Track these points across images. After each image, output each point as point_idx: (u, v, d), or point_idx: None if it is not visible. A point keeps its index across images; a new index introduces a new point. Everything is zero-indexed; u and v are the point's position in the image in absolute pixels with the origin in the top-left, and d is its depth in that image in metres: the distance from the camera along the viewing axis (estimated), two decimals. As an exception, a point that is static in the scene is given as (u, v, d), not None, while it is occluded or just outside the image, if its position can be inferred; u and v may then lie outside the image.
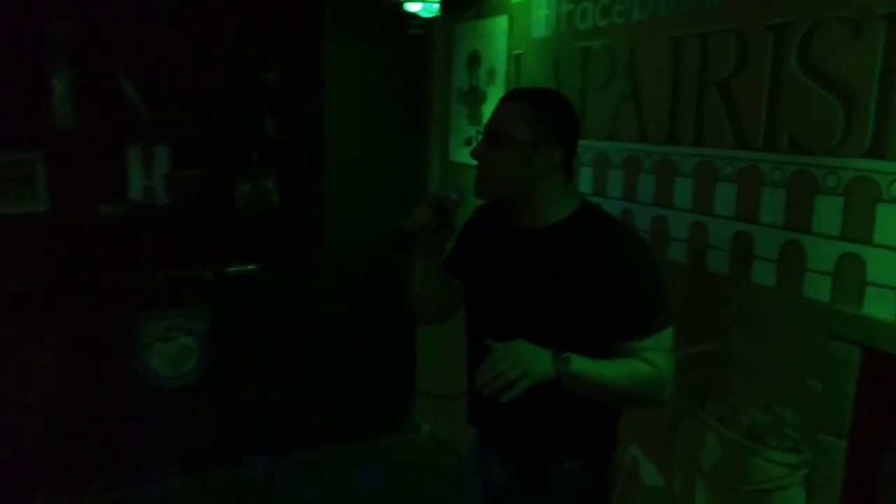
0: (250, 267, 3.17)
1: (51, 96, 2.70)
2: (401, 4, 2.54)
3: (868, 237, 1.44)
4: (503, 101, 1.49)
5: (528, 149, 1.39)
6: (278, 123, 3.18)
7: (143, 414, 2.84)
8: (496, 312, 1.50)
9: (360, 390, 3.32)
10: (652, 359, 1.37)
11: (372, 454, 3.23)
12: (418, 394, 3.48)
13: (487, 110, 2.81)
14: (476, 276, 1.56)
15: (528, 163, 1.40)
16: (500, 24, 2.69)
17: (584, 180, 2.26)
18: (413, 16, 2.85)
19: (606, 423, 1.54)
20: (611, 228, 1.46)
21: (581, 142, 1.52)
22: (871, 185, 1.43)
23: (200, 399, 2.96)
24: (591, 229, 1.42)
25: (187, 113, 3.02)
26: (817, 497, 1.56)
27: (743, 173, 1.73)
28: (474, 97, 2.89)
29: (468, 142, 2.95)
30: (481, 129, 1.55)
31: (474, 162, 2.81)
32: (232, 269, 3.11)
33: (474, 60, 2.90)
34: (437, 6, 2.52)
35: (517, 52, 2.62)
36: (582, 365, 1.31)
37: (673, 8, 1.92)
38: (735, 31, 1.73)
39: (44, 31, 2.65)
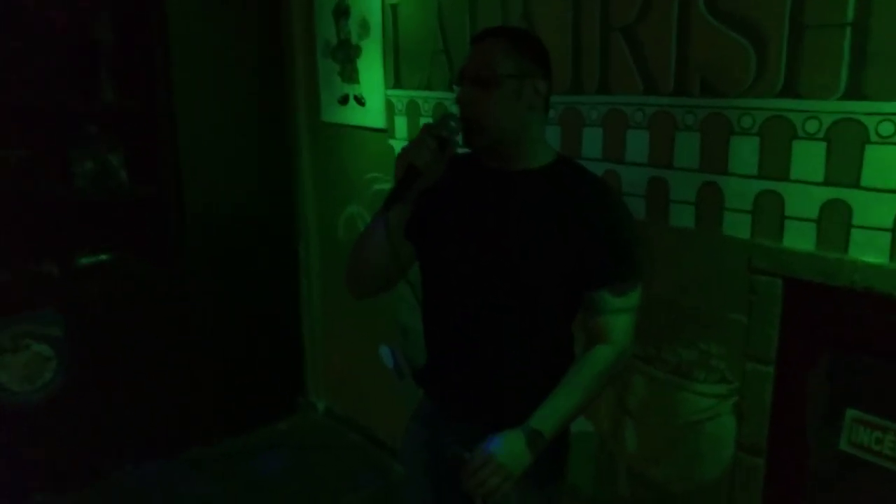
0: (103, 257, 2.80)
1: None
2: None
3: (785, 174, 1.52)
4: (478, 40, 1.40)
5: (516, 82, 1.34)
6: (117, 90, 2.78)
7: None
8: (468, 258, 1.41)
9: (246, 375, 3.09)
10: (615, 323, 1.38)
11: (268, 440, 3.05)
12: (309, 371, 3.31)
13: (363, 65, 2.64)
14: (440, 226, 1.45)
15: (518, 97, 1.35)
16: (371, -29, 2.51)
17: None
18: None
19: None
20: (592, 180, 1.43)
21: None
22: (785, 123, 1.50)
23: (65, 411, 2.58)
24: (572, 178, 1.40)
25: (4, 81, 2.54)
26: (747, 421, 1.67)
27: (654, 119, 1.75)
28: (346, 51, 2.70)
29: (343, 100, 2.77)
30: (456, 77, 1.42)
31: (350, 121, 2.64)
32: (83, 260, 2.72)
33: (342, 11, 2.69)
34: (305, -49, 2.29)
35: (393, 1, 2.47)
36: (552, 423, 1.35)
37: (568, -48, 1.88)
38: (637, -25, 1.73)
39: None
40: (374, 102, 2.61)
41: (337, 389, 3.23)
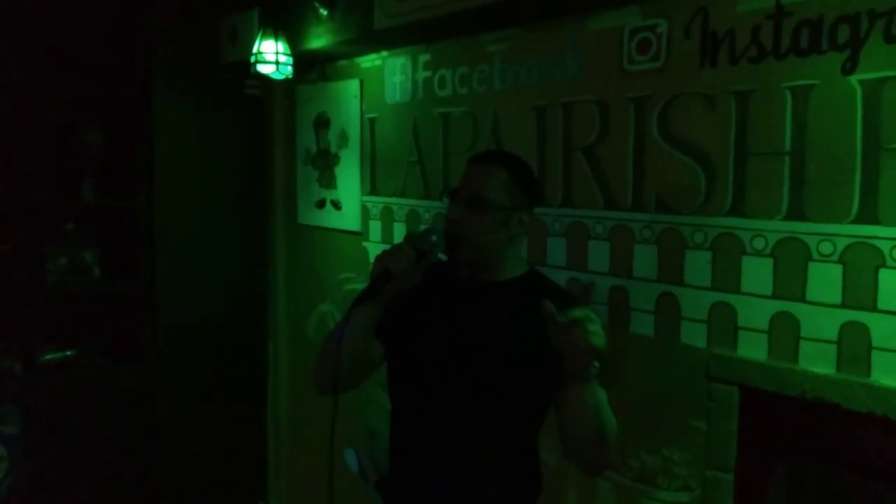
0: (69, 353, 2.76)
1: None
2: (250, 65, 2.42)
3: (737, 287, 1.61)
4: (476, 164, 1.51)
5: (505, 213, 1.44)
6: (98, 189, 2.85)
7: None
8: (437, 364, 1.45)
9: (207, 479, 2.99)
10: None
11: (225, 550, 2.92)
12: (272, 473, 3.22)
13: (341, 173, 2.77)
14: (411, 330, 1.50)
15: (505, 225, 1.45)
16: (352, 87, 2.68)
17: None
18: (251, 75, 2.73)
19: (530, 497, 1.54)
20: (562, 289, 1.56)
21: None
22: (735, 240, 1.61)
23: (13, 516, 2.47)
24: (542, 287, 1.49)
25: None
26: (711, 530, 1.68)
27: (614, 231, 1.86)
28: (325, 160, 2.83)
29: (320, 204, 2.87)
30: (448, 189, 1.52)
31: (326, 224, 2.75)
32: (47, 357, 2.69)
33: (322, 123, 2.84)
34: (290, 69, 2.44)
35: (371, 115, 2.62)
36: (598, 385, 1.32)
37: (535, 78, 2.05)
38: (597, 102, 1.88)
39: None
40: (350, 207, 2.72)
41: (300, 493, 3.14)
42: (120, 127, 2.85)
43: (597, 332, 1.23)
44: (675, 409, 1.74)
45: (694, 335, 1.70)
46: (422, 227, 1.48)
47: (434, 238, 1.41)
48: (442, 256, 1.49)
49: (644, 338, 1.80)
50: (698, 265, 1.68)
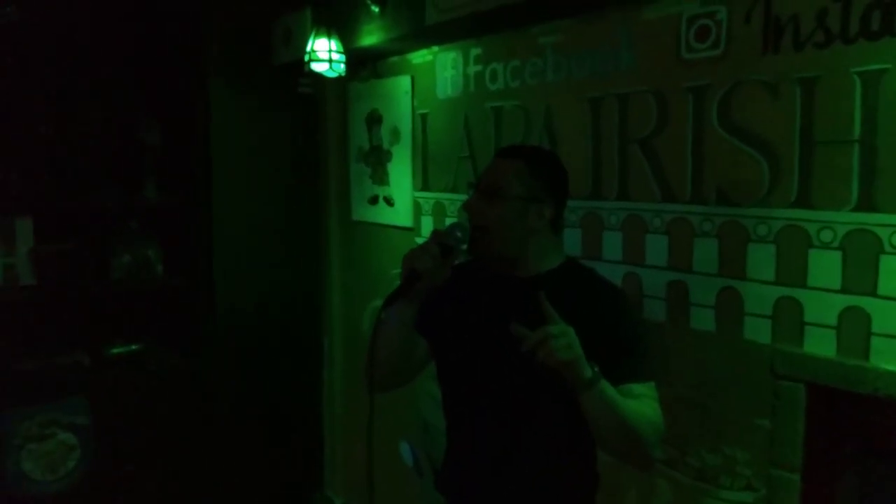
0: (134, 347, 2.87)
1: None
2: (304, 63, 2.46)
3: (803, 281, 1.56)
4: (498, 156, 1.52)
5: (521, 204, 1.43)
6: (160, 188, 2.94)
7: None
8: (478, 360, 1.45)
9: (266, 470, 3.07)
10: (648, 405, 1.37)
11: (284, 539, 2.99)
12: (328, 466, 3.28)
13: (393, 169, 2.78)
14: (453, 328, 1.50)
15: (522, 217, 1.43)
16: (403, 83, 2.69)
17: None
18: (304, 74, 2.77)
19: (587, 492, 1.53)
20: (597, 279, 1.50)
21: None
22: (800, 232, 1.56)
23: (86, 501, 2.58)
24: (578, 280, 1.46)
25: (54, 179, 2.71)
26: (776, 531, 1.63)
27: (673, 225, 1.82)
28: (377, 156, 2.85)
29: (373, 200, 2.89)
30: (473, 181, 1.52)
31: (378, 220, 2.77)
32: (113, 350, 2.79)
33: (374, 120, 2.86)
34: (343, 66, 2.46)
35: (422, 111, 2.63)
36: (607, 385, 1.28)
37: (588, 70, 2.02)
38: (653, 92, 1.84)
39: None
40: (403, 203, 2.73)
41: (356, 486, 3.18)
42: (178, 128, 2.93)
43: (561, 346, 1.22)
44: (738, 407, 1.69)
45: (758, 331, 1.65)
46: (447, 223, 1.48)
47: (459, 234, 1.40)
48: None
49: (705, 333, 1.75)
50: (762, 258, 1.63)
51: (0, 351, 2.55)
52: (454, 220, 2.46)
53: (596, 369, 1.26)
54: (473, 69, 2.40)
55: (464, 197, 2.44)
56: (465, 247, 1.43)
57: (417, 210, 2.68)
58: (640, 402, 1.33)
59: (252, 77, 2.95)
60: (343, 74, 2.52)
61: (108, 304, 2.87)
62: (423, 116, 2.63)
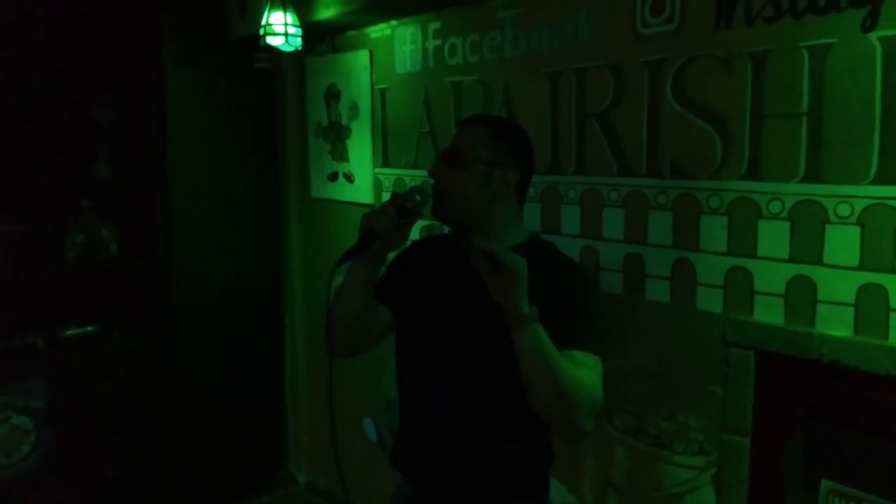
0: (90, 328, 2.80)
1: None
2: (259, 37, 2.41)
3: (753, 251, 1.60)
4: (464, 124, 1.54)
5: (484, 168, 1.43)
6: (113, 165, 2.86)
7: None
8: (438, 330, 1.46)
9: (229, 448, 3.06)
10: (588, 375, 1.34)
11: (249, 517, 2.99)
12: (291, 444, 3.28)
13: (352, 145, 2.76)
14: (416, 299, 1.51)
15: (486, 182, 1.43)
16: (361, 58, 2.66)
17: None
18: (260, 48, 2.72)
19: (543, 466, 1.56)
20: (560, 257, 1.51)
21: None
22: (751, 204, 1.60)
23: (43, 486, 2.54)
24: (540, 256, 1.43)
25: (3, 159, 2.62)
26: (727, 493, 1.69)
27: (629, 198, 1.85)
28: (337, 132, 2.82)
29: (333, 177, 2.87)
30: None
31: (338, 197, 2.75)
32: (69, 332, 2.73)
33: (333, 95, 2.83)
34: (300, 40, 2.42)
35: (381, 86, 2.60)
36: (543, 332, 1.26)
37: (546, 44, 2.02)
38: (610, 67, 1.86)
39: None
40: (363, 179, 2.72)
41: (319, 463, 3.20)
42: (131, 103, 2.85)
43: (511, 257, 1.21)
44: (692, 375, 1.74)
45: (710, 301, 1.69)
46: (412, 186, 1.47)
47: (418, 197, 1.39)
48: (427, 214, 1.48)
49: (660, 304, 1.79)
50: (714, 230, 1.67)
51: (-51, 334, 2.47)
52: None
53: (535, 310, 1.24)
54: (432, 43, 2.38)
55: (424, 173, 2.44)
56: (424, 210, 1.41)
57: (378, 186, 2.67)
58: (579, 369, 1.31)
59: (207, 51, 2.88)
60: (300, 49, 2.48)
61: (62, 284, 2.80)
62: (382, 91, 2.60)
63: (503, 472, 1.47)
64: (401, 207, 1.36)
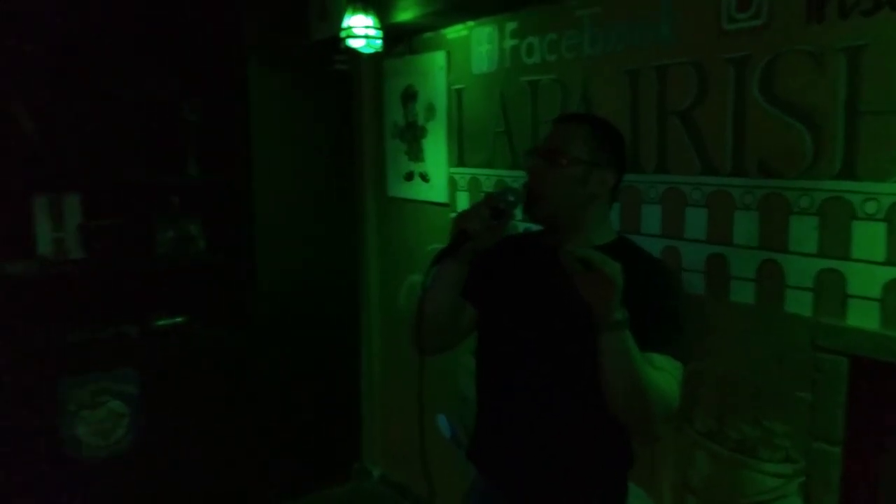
0: (178, 319, 2.95)
1: (-57, 145, 2.41)
2: (340, 40, 2.48)
3: (846, 253, 1.54)
4: (561, 121, 1.52)
5: (585, 168, 1.42)
6: (201, 165, 3.00)
7: (73, 488, 2.54)
8: (522, 329, 1.46)
9: (305, 440, 3.16)
10: (666, 379, 1.33)
11: (323, 506, 3.08)
12: (366, 437, 3.35)
13: (428, 145, 2.80)
14: (499, 297, 1.52)
15: (583, 183, 1.42)
16: (438, 59, 2.69)
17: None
18: (340, 51, 2.79)
19: (621, 470, 1.54)
20: (649, 259, 1.50)
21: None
22: (844, 204, 1.54)
23: (135, 467, 2.69)
24: (630, 256, 1.39)
25: (100, 157, 2.79)
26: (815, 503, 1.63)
27: (713, 198, 1.81)
28: (413, 133, 2.87)
29: (409, 177, 2.92)
30: (531, 149, 1.50)
31: (414, 196, 2.78)
32: (159, 322, 2.88)
33: (409, 96, 2.87)
34: (380, 42, 2.48)
35: (458, 86, 2.63)
36: (630, 338, 1.25)
37: (626, 42, 2.00)
38: (693, 64, 1.82)
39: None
40: (438, 179, 2.75)
41: (393, 457, 3.25)
42: (218, 106, 2.98)
43: (615, 272, 1.20)
44: (777, 380, 1.69)
45: (799, 303, 1.64)
46: (505, 187, 1.48)
47: (511, 198, 1.40)
48: (519, 214, 1.48)
49: (744, 306, 1.75)
50: (804, 231, 1.62)
51: (53, 322, 2.65)
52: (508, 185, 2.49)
53: (626, 316, 1.24)
54: (509, 43, 2.39)
55: (500, 172, 2.46)
56: (517, 210, 1.42)
57: (453, 186, 2.69)
58: (658, 373, 1.30)
59: (289, 54, 2.98)
60: (379, 50, 2.54)
61: (153, 278, 2.96)
62: (459, 92, 2.63)
63: (580, 473, 1.47)
64: (494, 209, 1.38)
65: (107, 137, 2.82)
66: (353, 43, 2.46)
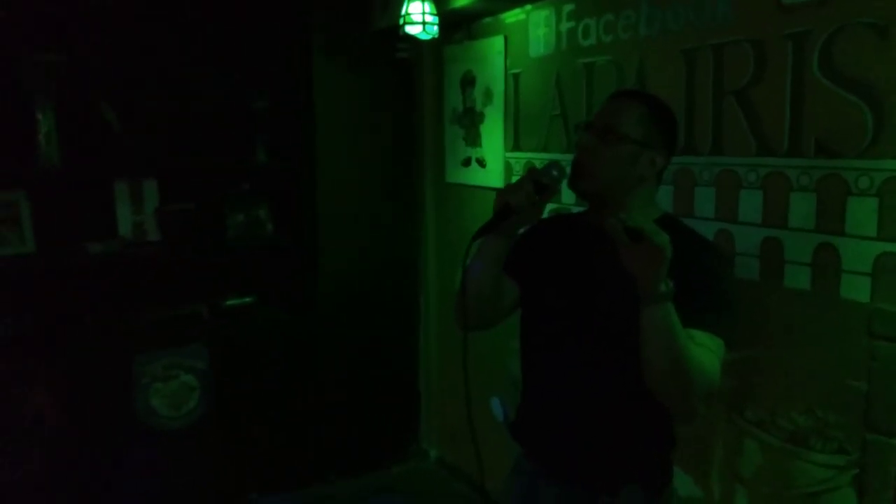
0: (247, 300, 3.09)
1: (35, 132, 2.60)
2: (399, 27, 2.53)
3: (907, 236, 1.47)
4: (617, 98, 1.48)
5: (637, 148, 1.39)
6: (269, 152, 3.12)
7: (146, 457, 2.72)
8: (565, 305, 1.46)
9: (365, 420, 3.24)
10: (703, 351, 1.29)
11: (381, 484, 3.16)
12: (424, 419, 3.42)
13: (485, 131, 2.82)
14: (541, 274, 1.52)
15: (633, 163, 1.40)
16: (496, 44, 2.70)
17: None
18: (401, 38, 2.84)
19: (664, 450, 1.53)
20: (694, 237, 1.46)
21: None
22: (906, 185, 1.47)
23: (204, 438, 2.85)
24: (679, 232, 1.34)
25: (175, 145, 2.95)
26: (870, 496, 1.57)
27: (768, 180, 1.75)
28: (471, 118, 2.89)
29: (466, 162, 2.94)
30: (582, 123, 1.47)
31: (471, 182, 2.75)
32: (229, 302, 3.02)
33: (468, 82, 2.90)
34: (436, 28, 2.51)
35: (515, 71, 2.64)
36: (674, 312, 1.22)
37: (682, 21, 1.95)
38: (750, 41, 1.77)
39: (26, 65, 2.56)
40: (494, 164, 2.76)
41: (449, 439, 3.30)
42: (286, 95, 3.09)
43: (664, 242, 1.16)
44: (831, 368, 1.63)
45: (856, 289, 1.57)
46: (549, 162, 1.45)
47: (555, 173, 1.37)
48: (564, 189, 1.45)
49: (799, 292, 1.69)
50: (863, 213, 1.55)
51: (131, 300, 2.83)
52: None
53: (671, 288, 1.21)
54: (566, 26, 2.38)
55: (555, 155, 2.45)
56: (560, 185, 1.39)
57: (508, 171, 2.70)
58: (700, 350, 1.26)
59: (352, 44, 3.05)
60: (436, 36, 2.56)
61: (223, 259, 3.10)
62: (516, 76, 2.63)
63: (622, 452, 1.46)
64: (537, 183, 1.35)
65: (182, 127, 2.98)
66: (411, 29, 2.50)
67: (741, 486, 1.87)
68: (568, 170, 1.42)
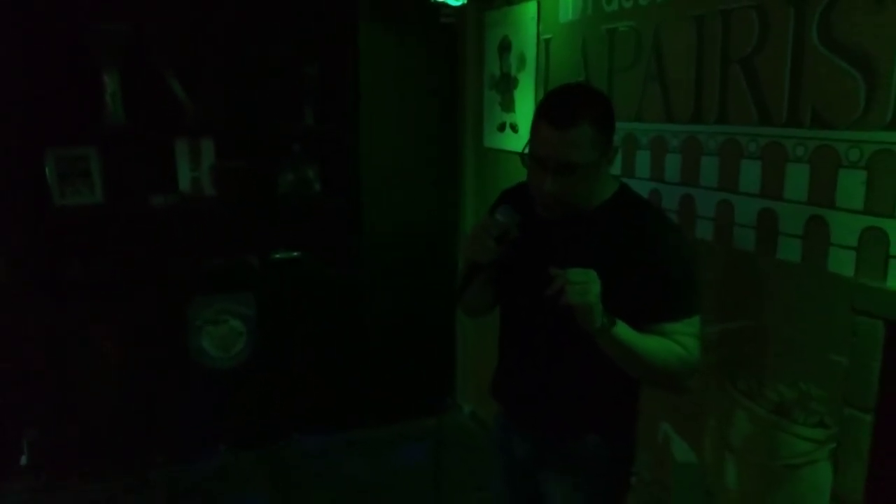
0: (294, 254, 3.29)
1: (103, 94, 2.86)
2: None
3: (891, 210, 1.43)
4: (558, 128, 1.38)
5: (595, 163, 1.43)
6: (317, 115, 3.28)
7: (198, 393, 2.99)
8: (532, 292, 1.51)
9: (403, 373, 3.42)
10: (682, 342, 1.41)
11: (415, 433, 3.33)
12: (459, 376, 3.56)
13: (519, 96, 2.85)
14: (510, 264, 1.59)
15: (596, 174, 1.45)
16: (530, 9, 2.72)
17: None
18: (445, 5, 2.90)
19: (628, 399, 1.59)
20: (648, 214, 1.51)
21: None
22: (893, 158, 1.42)
23: (250, 379, 3.11)
24: (630, 214, 1.46)
25: (231, 107, 3.15)
26: (844, 471, 1.57)
27: (767, 150, 1.73)
28: (506, 83, 2.93)
29: (501, 127, 2.99)
30: (524, 153, 1.50)
31: (507, 147, 2.76)
32: (277, 255, 3.24)
33: (505, 47, 2.93)
34: (469, -7, 2.56)
35: (546, 36, 2.65)
36: (623, 330, 1.35)
37: (696, -14, 1.92)
38: (756, 7, 1.73)
39: (95, 31, 2.80)
40: (525, 129, 2.80)
41: (482, 396, 3.43)
42: (333, 60, 3.22)
43: (574, 292, 1.29)
44: (816, 342, 1.62)
45: (842, 263, 1.55)
46: (498, 211, 1.52)
47: (501, 219, 1.47)
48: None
49: (790, 264, 1.67)
50: (851, 186, 1.51)
51: (187, 249, 3.08)
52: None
53: (605, 321, 1.32)
54: (593, -9, 2.37)
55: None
56: (517, 229, 1.49)
57: (540, 136, 2.73)
58: (671, 340, 1.38)
59: (397, 10, 3.13)
60: (465, 2, 2.60)
61: (274, 215, 3.31)
62: (547, 42, 2.64)
63: (583, 406, 1.55)
64: (499, 238, 1.47)
65: (238, 90, 3.17)
66: (448, -6, 2.55)
67: (731, 455, 1.89)
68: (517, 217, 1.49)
